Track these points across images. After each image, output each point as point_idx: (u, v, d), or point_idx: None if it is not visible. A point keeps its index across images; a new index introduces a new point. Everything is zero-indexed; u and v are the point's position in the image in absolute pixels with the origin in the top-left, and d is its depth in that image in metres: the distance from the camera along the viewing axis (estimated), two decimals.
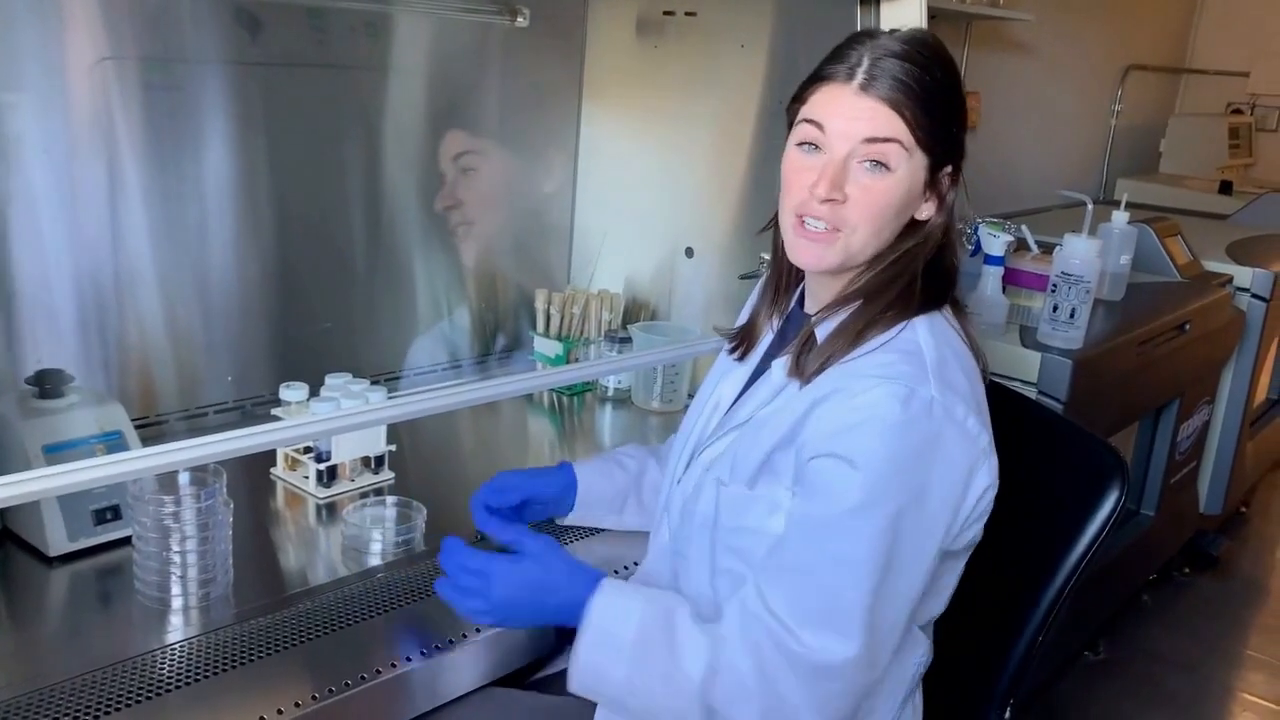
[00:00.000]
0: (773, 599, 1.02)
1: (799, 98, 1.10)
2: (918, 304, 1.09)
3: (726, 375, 1.25)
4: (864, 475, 1.00)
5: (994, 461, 1.07)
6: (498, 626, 1.17)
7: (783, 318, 1.23)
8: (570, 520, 1.40)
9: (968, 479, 1.04)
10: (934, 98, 1.05)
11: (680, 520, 1.18)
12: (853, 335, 1.08)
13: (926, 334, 1.08)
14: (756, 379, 1.18)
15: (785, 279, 1.23)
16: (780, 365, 1.12)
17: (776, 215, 1.17)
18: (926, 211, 1.11)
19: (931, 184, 1.09)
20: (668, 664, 1.03)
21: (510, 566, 1.11)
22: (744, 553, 1.11)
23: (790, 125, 1.11)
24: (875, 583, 1.00)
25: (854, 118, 1.04)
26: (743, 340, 1.26)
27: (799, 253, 1.10)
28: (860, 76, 1.04)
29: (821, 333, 1.11)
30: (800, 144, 1.09)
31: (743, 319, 1.29)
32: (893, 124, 1.04)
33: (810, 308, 1.19)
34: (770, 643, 1.01)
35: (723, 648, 1.02)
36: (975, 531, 1.10)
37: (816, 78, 1.08)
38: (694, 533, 1.15)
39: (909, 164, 1.05)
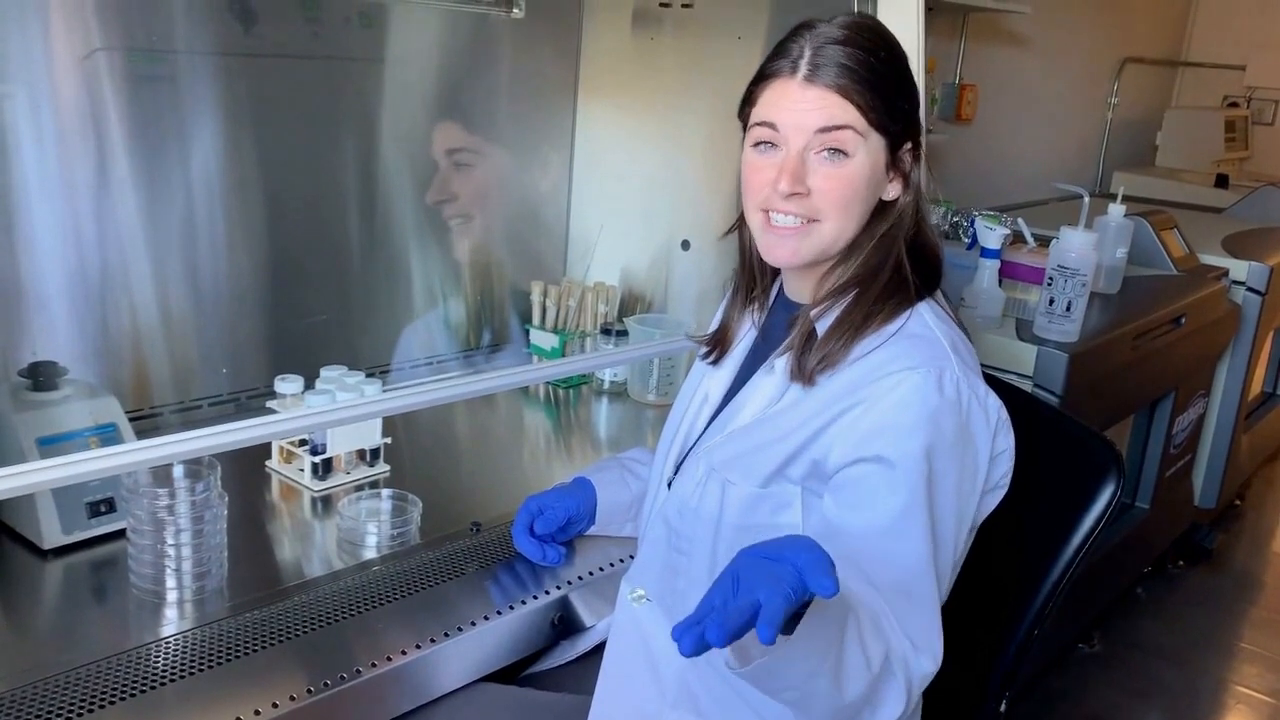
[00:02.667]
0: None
1: (748, 99, 1.09)
2: (916, 289, 1.09)
3: (711, 371, 1.24)
4: (903, 472, 1.00)
5: (1011, 431, 1.08)
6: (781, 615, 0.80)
7: (765, 311, 1.22)
8: (591, 532, 1.40)
9: (990, 452, 1.06)
10: (881, 78, 1.04)
11: (680, 519, 1.16)
12: (853, 329, 1.07)
13: (934, 318, 1.08)
14: (748, 374, 1.17)
15: (759, 278, 1.22)
16: (783, 365, 1.11)
17: (740, 219, 1.17)
18: (893, 191, 1.11)
19: (893, 163, 1.09)
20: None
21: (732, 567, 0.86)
22: None
23: (744, 128, 1.10)
24: (933, 571, 1.03)
25: (804, 110, 1.04)
26: (716, 346, 1.25)
27: (772, 251, 1.10)
28: (804, 68, 1.04)
29: (820, 328, 1.10)
30: (756, 144, 1.08)
31: (714, 326, 1.27)
32: (844, 110, 1.03)
33: (795, 297, 1.18)
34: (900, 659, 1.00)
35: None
36: (991, 501, 1.10)
37: (762, 76, 1.08)
38: (697, 531, 1.14)
39: (866, 147, 1.05)
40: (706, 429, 1.19)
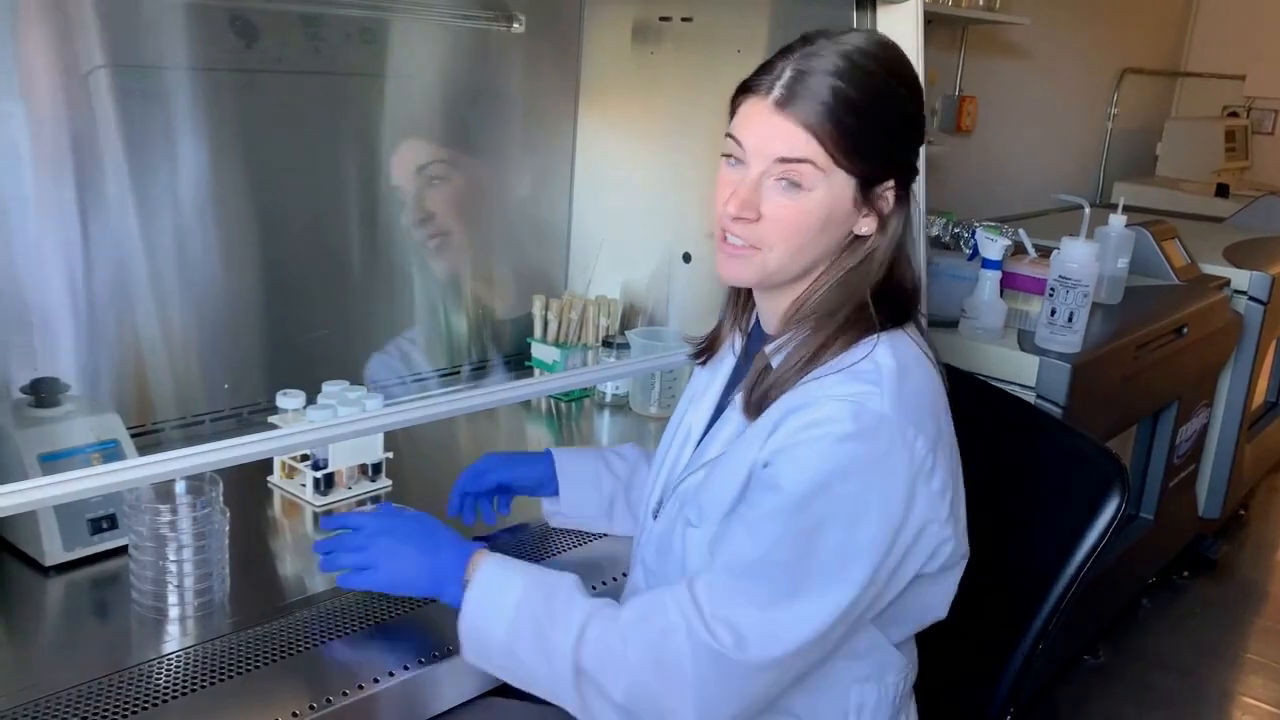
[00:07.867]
0: (699, 587, 1.01)
1: (732, 105, 1.07)
2: (878, 324, 1.06)
3: (695, 402, 1.23)
4: (791, 484, 0.99)
5: (945, 498, 1.03)
6: (377, 588, 1.15)
7: (745, 335, 1.22)
8: (562, 522, 1.42)
9: (908, 503, 1.00)
10: (861, 116, 1.00)
11: (657, 559, 1.16)
12: (801, 364, 1.05)
13: (887, 354, 1.04)
14: (723, 409, 1.16)
15: (740, 294, 1.22)
16: (739, 400, 1.10)
17: None
18: (867, 227, 1.07)
19: (865, 200, 1.05)
20: (545, 624, 1.04)
21: (390, 520, 1.17)
22: None
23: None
24: (780, 592, 0.99)
25: (768, 136, 1.01)
26: (708, 347, 1.24)
27: (719, 266, 1.09)
28: (778, 92, 1.00)
29: (775, 362, 1.08)
30: (725, 155, 1.07)
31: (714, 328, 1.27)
32: (807, 145, 1.00)
33: (765, 326, 1.16)
34: (684, 626, 0.99)
35: (603, 618, 1.03)
36: (915, 566, 1.04)
37: (743, 88, 1.05)
38: (669, 572, 1.13)
39: (827, 183, 1.02)
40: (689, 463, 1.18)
